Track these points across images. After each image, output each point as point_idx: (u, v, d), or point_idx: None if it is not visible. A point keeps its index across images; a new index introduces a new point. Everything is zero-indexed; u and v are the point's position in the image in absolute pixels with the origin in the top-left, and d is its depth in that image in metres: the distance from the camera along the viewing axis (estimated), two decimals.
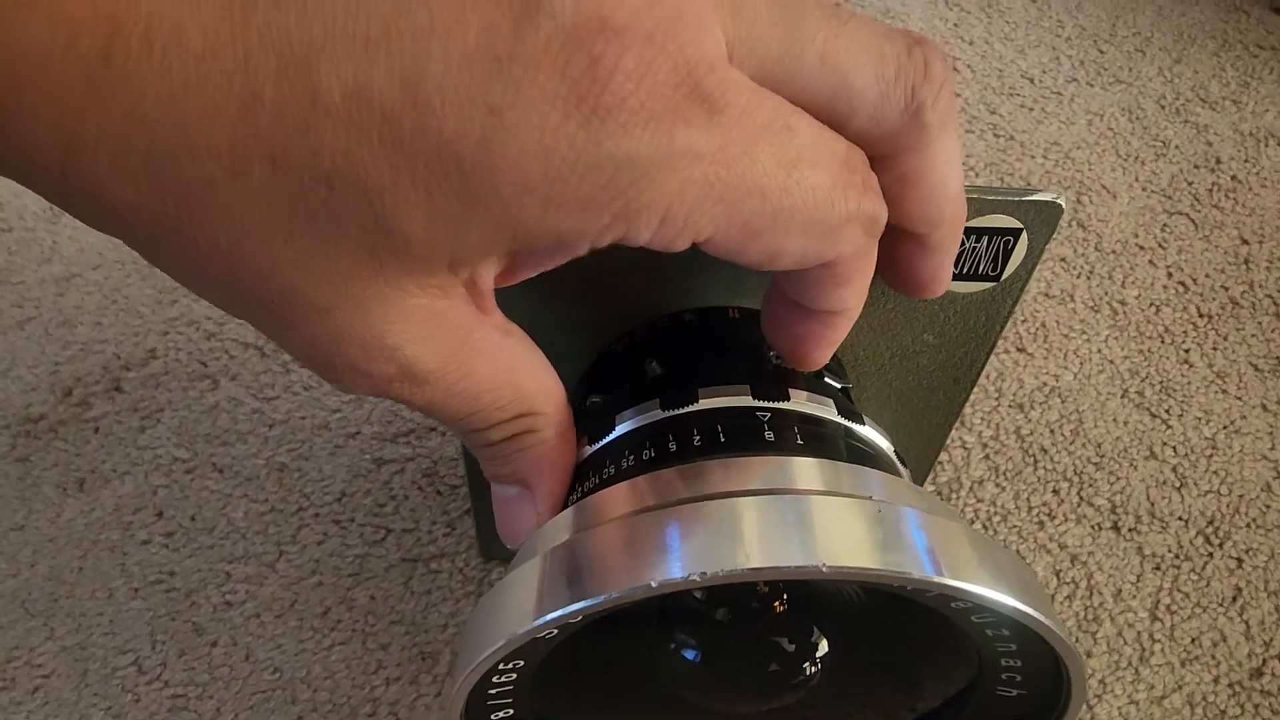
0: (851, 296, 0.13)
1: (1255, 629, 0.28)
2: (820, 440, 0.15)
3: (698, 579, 0.11)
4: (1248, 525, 0.30)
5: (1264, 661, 0.27)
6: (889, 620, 0.16)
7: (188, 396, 0.31)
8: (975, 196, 0.18)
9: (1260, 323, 0.35)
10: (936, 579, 0.11)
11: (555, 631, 0.12)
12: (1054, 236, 0.18)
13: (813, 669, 0.16)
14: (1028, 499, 0.30)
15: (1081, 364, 0.34)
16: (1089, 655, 0.27)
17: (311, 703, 0.25)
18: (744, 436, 0.15)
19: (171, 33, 0.09)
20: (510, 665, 0.13)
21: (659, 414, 0.16)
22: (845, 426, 0.16)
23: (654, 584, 0.11)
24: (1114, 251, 0.38)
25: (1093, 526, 0.30)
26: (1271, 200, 0.40)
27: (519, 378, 0.13)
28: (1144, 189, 0.40)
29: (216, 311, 0.33)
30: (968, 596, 0.11)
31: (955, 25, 0.47)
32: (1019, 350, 0.34)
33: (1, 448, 0.29)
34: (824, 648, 0.16)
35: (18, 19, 0.08)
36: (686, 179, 0.10)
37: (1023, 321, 0.35)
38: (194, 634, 0.26)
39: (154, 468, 0.29)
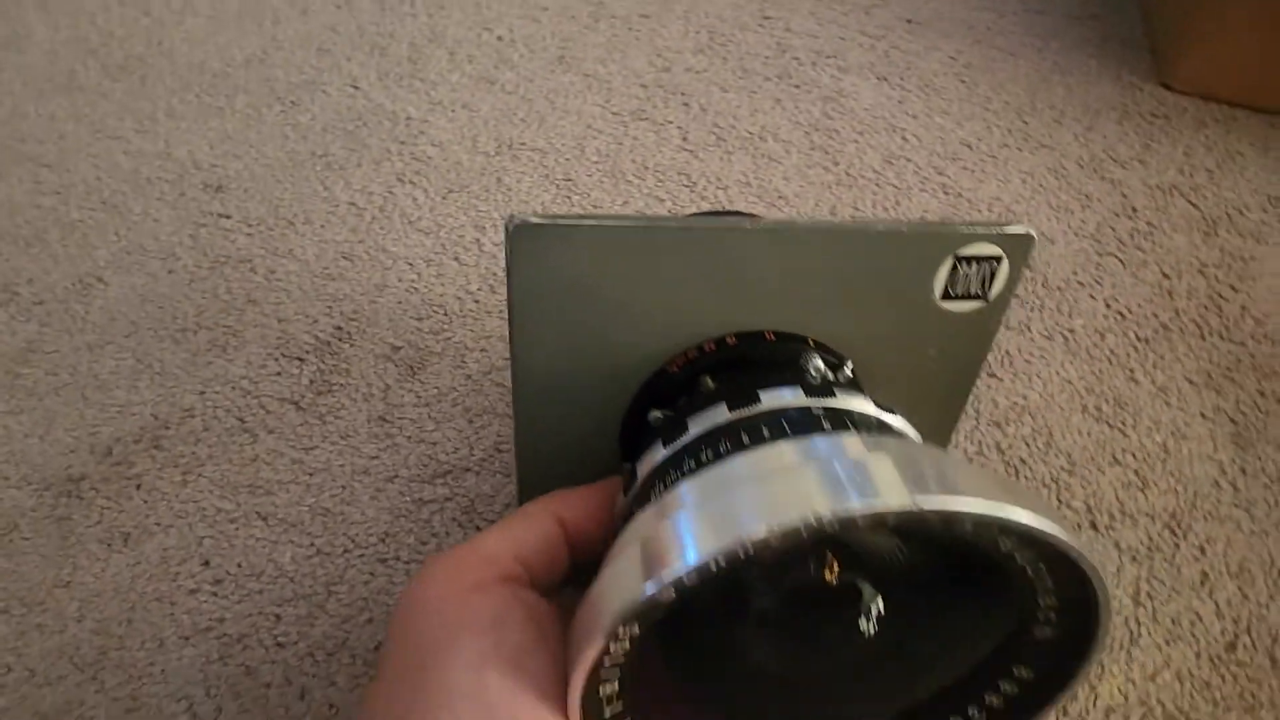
0: None
1: (1224, 608, 0.31)
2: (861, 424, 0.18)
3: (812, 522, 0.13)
4: (1204, 517, 0.34)
5: (1235, 636, 0.30)
6: (936, 580, 0.18)
7: (228, 451, 0.32)
8: (964, 229, 0.22)
9: (1189, 344, 0.41)
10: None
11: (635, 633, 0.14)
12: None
13: (870, 626, 0.18)
14: None
15: (1044, 384, 0.38)
16: None
17: None
18: (805, 426, 0.18)
19: None
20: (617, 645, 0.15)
21: (727, 415, 0.19)
22: (878, 419, 0.19)
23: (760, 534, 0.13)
24: (1059, 288, 0.43)
25: (1074, 526, 0.33)
26: (1182, 241, 0.46)
27: None
28: (1076, 235, 0.46)
29: (252, 370, 0.34)
30: (1018, 528, 0.14)
31: (900, 102, 0.54)
32: (990, 375, 0.38)
33: (43, 509, 0.30)
34: (879, 606, 0.18)
35: None
36: None
37: (990, 350, 0.39)
38: (246, 676, 0.26)
39: (198, 519, 0.30)
